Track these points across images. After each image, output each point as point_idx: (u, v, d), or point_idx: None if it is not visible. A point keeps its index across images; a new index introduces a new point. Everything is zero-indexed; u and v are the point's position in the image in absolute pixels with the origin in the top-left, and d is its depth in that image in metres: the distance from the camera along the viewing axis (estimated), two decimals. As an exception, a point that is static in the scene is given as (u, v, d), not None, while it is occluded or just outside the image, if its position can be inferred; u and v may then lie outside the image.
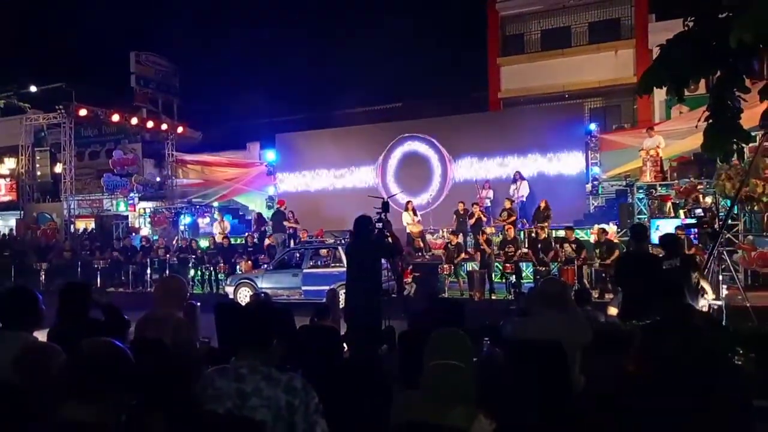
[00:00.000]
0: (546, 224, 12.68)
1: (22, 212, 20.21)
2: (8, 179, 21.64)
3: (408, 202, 14.36)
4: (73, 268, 15.13)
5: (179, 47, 24.06)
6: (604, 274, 10.96)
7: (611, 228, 12.02)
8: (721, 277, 8.35)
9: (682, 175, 12.48)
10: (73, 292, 3.56)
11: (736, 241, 10.30)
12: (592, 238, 12.09)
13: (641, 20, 18.48)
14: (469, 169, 16.49)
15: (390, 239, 5.44)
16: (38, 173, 20.77)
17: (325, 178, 18.25)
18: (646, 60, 15.79)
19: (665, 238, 5.97)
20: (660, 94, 13.90)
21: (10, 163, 21.60)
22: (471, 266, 12.45)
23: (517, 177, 14.68)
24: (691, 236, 10.53)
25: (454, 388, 2.27)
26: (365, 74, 22.64)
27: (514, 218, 13.20)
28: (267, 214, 16.87)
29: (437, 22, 22.86)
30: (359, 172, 17.79)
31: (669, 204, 12.14)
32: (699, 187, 11.72)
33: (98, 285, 14.26)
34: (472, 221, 13.46)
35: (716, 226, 9.10)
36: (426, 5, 22.32)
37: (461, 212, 13.82)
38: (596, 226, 12.25)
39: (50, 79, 22.16)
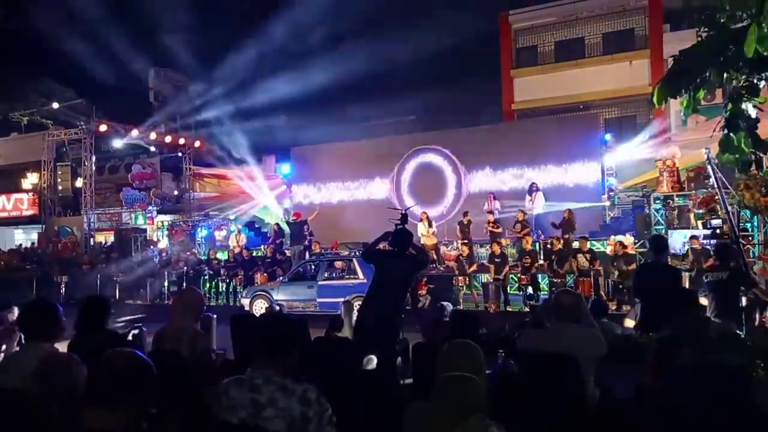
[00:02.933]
0: (569, 236, 12.58)
1: (43, 226, 20.62)
2: (31, 194, 22.11)
3: (423, 212, 14.38)
4: (92, 280, 15.36)
5: (196, 62, 24.47)
6: (621, 286, 10.83)
7: (628, 240, 11.90)
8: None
9: (700, 185, 12.33)
10: (93, 305, 3.64)
11: (756, 252, 10.13)
12: (609, 250, 11.97)
13: (655, 30, 18.41)
14: (483, 181, 16.47)
15: (414, 251, 5.45)
16: (60, 188, 21.17)
17: (339, 191, 18.36)
18: (660, 70, 15.72)
19: (718, 248, 5.84)
20: (676, 104, 13.78)
21: (32, 178, 22.09)
22: (486, 278, 12.39)
23: (533, 188, 14.63)
24: (708, 247, 10.40)
25: (467, 399, 2.28)
26: (379, 88, 22.80)
27: (528, 230, 13.13)
28: (283, 227, 16.98)
29: (450, 35, 23.00)
30: (374, 184, 17.87)
31: (692, 215, 11.98)
32: (716, 197, 11.56)
33: (117, 297, 14.44)
34: (499, 230, 13.50)
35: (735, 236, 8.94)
36: (439, 18, 22.48)
37: (465, 223, 13.88)
38: (613, 238, 12.13)
39: (71, 96, 22.68)
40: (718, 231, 9.92)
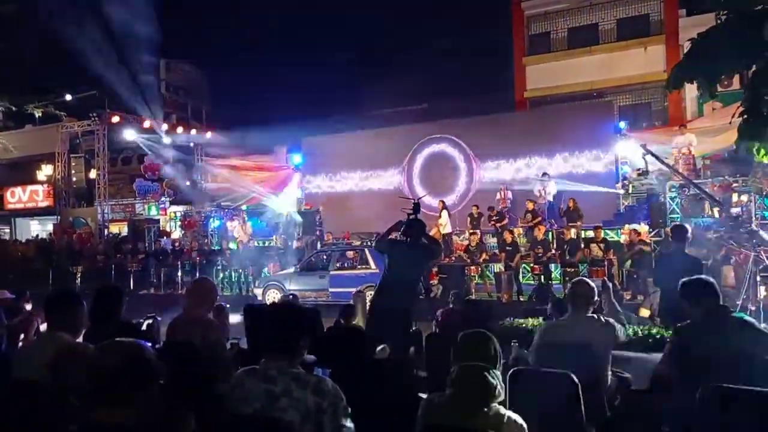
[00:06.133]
0: (578, 224, 12.48)
1: (58, 217, 20.85)
2: (46, 185, 22.34)
3: (440, 201, 14.36)
4: (107, 271, 15.52)
5: (208, 54, 24.48)
6: (635, 276, 10.72)
7: (643, 228, 11.76)
8: (759, 278, 8.09)
9: (716, 173, 12.15)
10: (107, 295, 3.64)
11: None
12: (623, 239, 11.84)
13: (671, 15, 18.08)
14: (495, 170, 16.36)
15: (426, 240, 5.43)
16: (74, 179, 21.36)
17: (351, 181, 18.33)
18: (676, 56, 15.45)
19: None
20: (692, 91, 13.57)
21: (47, 169, 22.32)
22: (498, 267, 12.32)
23: (545, 177, 14.49)
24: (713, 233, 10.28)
25: (482, 389, 2.26)
26: (391, 76, 22.68)
27: (539, 219, 13.03)
28: (295, 217, 16.99)
29: (462, 22, 22.78)
30: (385, 174, 17.82)
31: (708, 203, 11.82)
32: (734, 185, 11.39)
33: (131, 287, 14.58)
34: (502, 223, 13.42)
35: (755, 224, 8.83)
36: (451, 6, 22.26)
37: (475, 215, 13.82)
38: (627, 227, 11.99)
39: (84, 88, 22.78)
40: (738, 219, 9.78)
